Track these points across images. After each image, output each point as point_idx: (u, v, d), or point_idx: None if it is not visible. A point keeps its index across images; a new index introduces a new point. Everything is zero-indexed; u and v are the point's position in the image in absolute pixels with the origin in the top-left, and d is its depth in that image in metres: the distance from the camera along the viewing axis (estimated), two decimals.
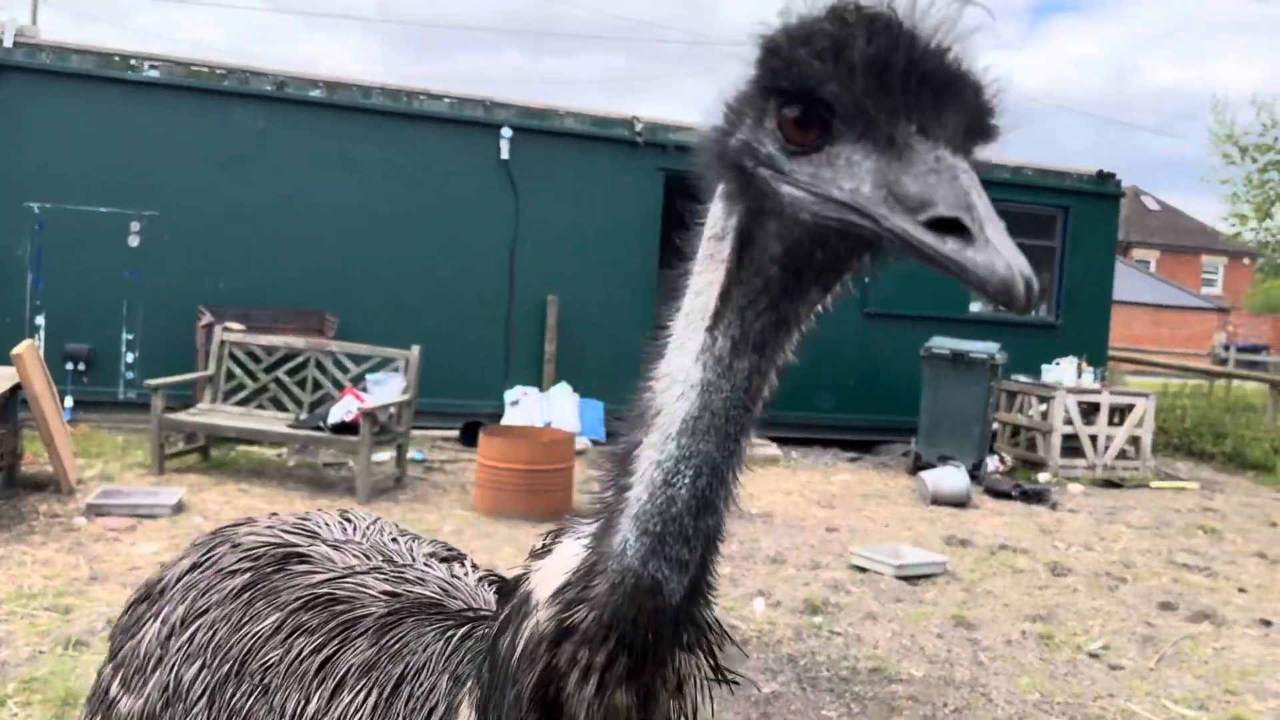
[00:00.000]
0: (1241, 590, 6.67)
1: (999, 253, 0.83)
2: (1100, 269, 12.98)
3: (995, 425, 11.20)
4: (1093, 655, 5.17)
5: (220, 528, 1.86)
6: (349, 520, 1.84)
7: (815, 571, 6.38)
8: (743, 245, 0.99)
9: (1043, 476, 10.41)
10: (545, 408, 10.09)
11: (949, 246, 0.84)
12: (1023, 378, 11.28)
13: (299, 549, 1.65)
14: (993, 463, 10.56)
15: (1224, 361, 21.71)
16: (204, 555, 1.72)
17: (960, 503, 8.85)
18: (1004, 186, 12.37)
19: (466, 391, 10.26)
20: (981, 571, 6.65)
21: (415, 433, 9.72)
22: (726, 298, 1.01)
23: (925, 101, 0.87)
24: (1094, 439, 10.68)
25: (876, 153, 0.88)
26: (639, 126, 10.82)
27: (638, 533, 1.03)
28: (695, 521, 1.04)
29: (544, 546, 1.16)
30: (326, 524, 1.79)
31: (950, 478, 9.06)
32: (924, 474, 9.27)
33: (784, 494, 8.92)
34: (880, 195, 0.87)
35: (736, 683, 1.17)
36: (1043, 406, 10.96)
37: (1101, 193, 12.82)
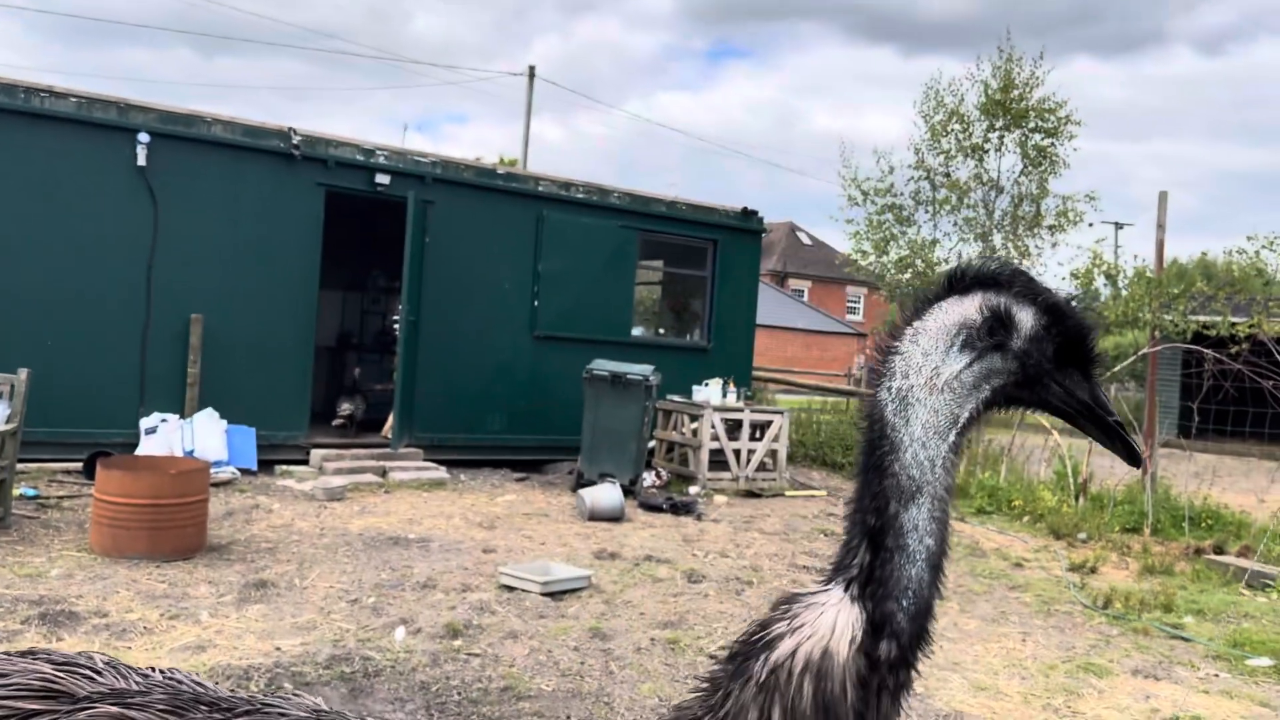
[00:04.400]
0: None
1: (1138, 444, 1.48)
2: (746, 297, 14.08)
3: (653, 442, 11.81)
4: (712, 657, 5.54)
5: None
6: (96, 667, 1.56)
7: (464, 594, 6.39)
8: (993, 397, 1.44)
9: (693, 489, 11.11)
10: (188, 435, 9.38)
11: (1125, 434, 1.46)
12: (676, 398, 11.99)
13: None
14: (649, 478, 11.12)
15: (858, 381, 24.28)
16: None
17: (615, 517, 9.22)
18: (660, 219, 13.14)
19: (93, 419, 9.32)
20: (624, 583, 6.96)
21: (29, 465, 8.73)
22: (969, 419, 1.43)
23: (1096, 356, 1.47)
24: (737, 453, 11.55)
25: (1087, 381, 1.44)
26: (296, 139, 10.39)
27: (931, 570, 1.36)
28: (948, 553, 1.41)
29: (779, 615, 1.38)
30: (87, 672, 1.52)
31: (606, 494, 9.42)
32: (582, 491, 9.58)
33: (445, 518, 8.86)
34: (1094, 402, 1.43)
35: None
36: (693, 424, 11.70)
37: (746, 228, 13.94)
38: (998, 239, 13.42)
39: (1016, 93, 15.31)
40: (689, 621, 6.18)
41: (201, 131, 10.03)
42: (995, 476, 12.42)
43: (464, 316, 11.57)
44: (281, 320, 10.43)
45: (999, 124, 15.36)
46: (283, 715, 1.50)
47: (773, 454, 11.96)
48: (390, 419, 11.36)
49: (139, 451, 9.02)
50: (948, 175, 16.01)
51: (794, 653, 1.30)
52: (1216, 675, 6.00)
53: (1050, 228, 15.09)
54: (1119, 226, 48.94)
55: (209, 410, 9.69)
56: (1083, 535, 10.07)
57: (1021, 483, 12.09)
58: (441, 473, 10.80)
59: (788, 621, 1.34)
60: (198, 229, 9.98)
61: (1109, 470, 12.56)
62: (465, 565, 7.15)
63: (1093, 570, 8.73)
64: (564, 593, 6.51)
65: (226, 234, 10.15)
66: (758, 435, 11.88)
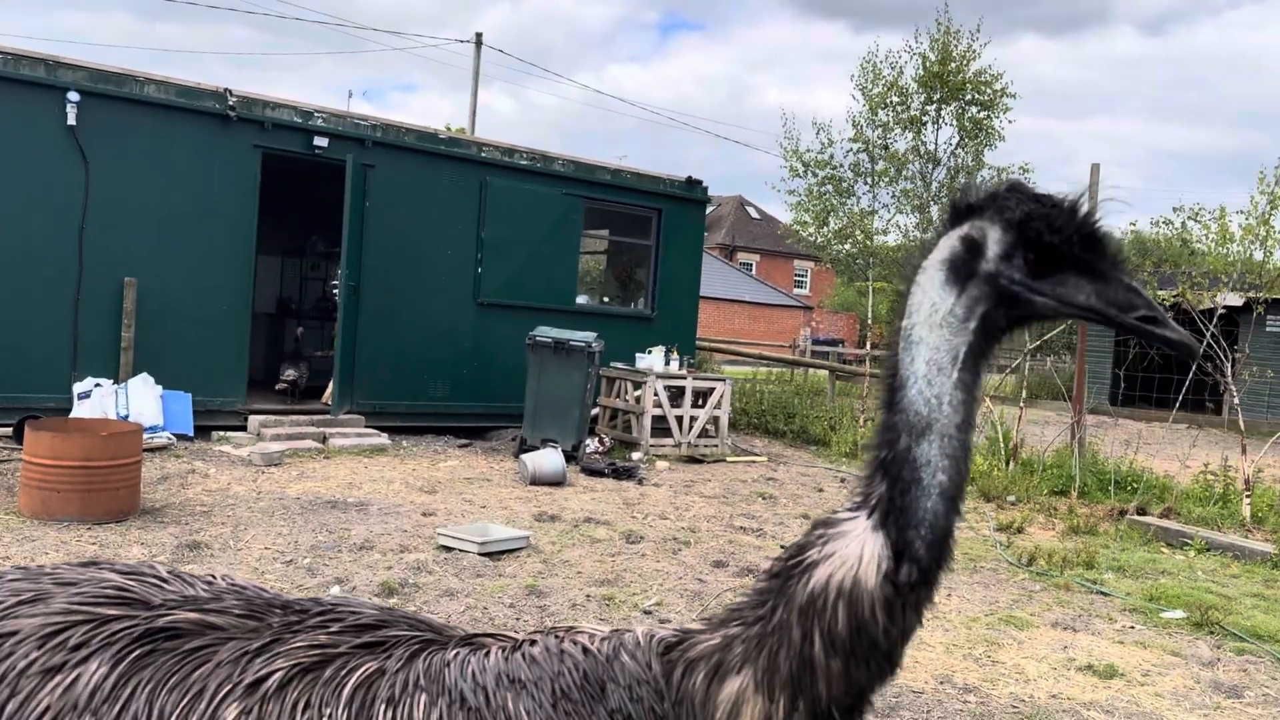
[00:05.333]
0: (783, 547, 7.59)
1: (1179, 330, 1.40)
2: (690, 266, 14.16)
3: (597, 409, 11.88)
4: (646, 612, 5.67)
5: None
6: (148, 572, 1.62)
7: (401, 555, 6.41)
8: (985, 326, 1.44)
9: (636, 455, 11.21)
10: (122, 401, 9.25)
11: (1158, 329, 1.38)
12: (620, 365, 12.06)
13: (170, 618, 1.45)
14: (592, 443, 11.19)
15: (803, 352, 24.55)
16: None
17: (557, 482, 9.29)
18: (605, 187, 13.14)
19: (24, 384, 9.15)
20: (562, 544, 7.04)
21: None
22: (970, 353, 1.44)
23: (1105, 251, 1.41)
24: (680, 420, 11.67)
25: (1090, 280, 1.40)
26: (232, 100, 10.20)
27: (945, 503, 1.41)
28: (965, 486, 1.46)
29: (814, 541, 1.46)
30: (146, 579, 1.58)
31: (548, 459, 9.48)
32: (525, 456, 9.63)
33: (386, 483, 8.86)
34: (1102, 303, 1.39)
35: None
36: (636, 391, 11.79)
37: (690, 197, 14.00)
38: (935, 211, 13.63)
39: (954, 65, 15.55)
40: (625, 579, 6.27)
41: (134, 91, 9.82)
42: None
43: (406, 283, 11.50)
44: (218, 285, 10.29)
45: (936, 96, 15.59)
46: (355, 613, 1.56)
47: (715, 421, 12.10)
48: (331, 385, 11.28)
49: (74, 416, 8.87)
50: (885, 148, 16.24)
51: (828, 580, 1.42)
52: (1132, 627, 6.25)
53: None
54: None
55: (144, 375, 9.55)
56: (1012, 498, 10.36)
57: None
58: (383, 439, 10.77)
59: (820, 548, 1.44)
60: (131, 191, 9.78)
61: (1039, 437, 12.91)
62: (404, 528, 7.18)
63: (1019, 530, 8.98)
64: (502, 553, 6.57)
65: (161, 196, 9.96)
66: (700, 402, 12.01)
